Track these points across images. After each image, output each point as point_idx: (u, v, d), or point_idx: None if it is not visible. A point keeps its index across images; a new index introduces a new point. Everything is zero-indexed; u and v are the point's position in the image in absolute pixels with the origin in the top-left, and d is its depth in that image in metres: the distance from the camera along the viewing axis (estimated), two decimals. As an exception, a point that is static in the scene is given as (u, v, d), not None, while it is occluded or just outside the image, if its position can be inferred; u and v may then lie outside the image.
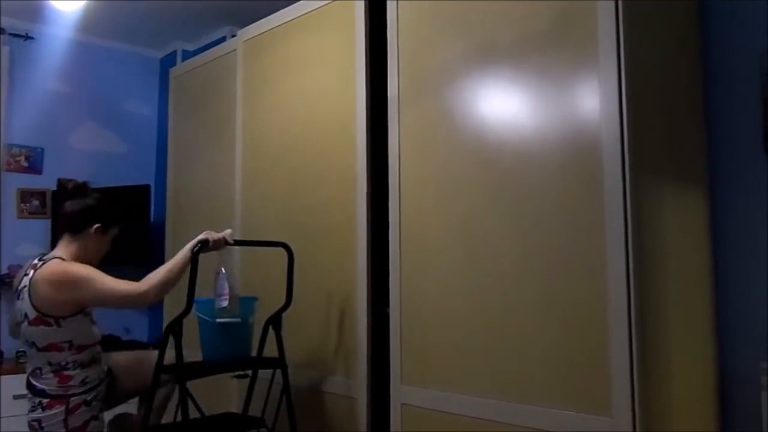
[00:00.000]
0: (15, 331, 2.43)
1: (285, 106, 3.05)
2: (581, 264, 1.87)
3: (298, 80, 2.99)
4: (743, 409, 2.06)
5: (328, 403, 2.69)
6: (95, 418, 2.41)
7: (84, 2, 3.80)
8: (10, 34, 4.14)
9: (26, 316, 2.32)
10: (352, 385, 2.58)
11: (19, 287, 2.38)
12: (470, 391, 2.12)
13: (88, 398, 2.39)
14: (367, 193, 2.57)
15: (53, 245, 2.52)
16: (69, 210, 2.49)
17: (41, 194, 4.25)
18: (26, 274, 2.38)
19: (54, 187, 4.25)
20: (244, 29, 3.40)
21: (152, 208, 4.41)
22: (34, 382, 2.37)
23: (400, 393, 2.36)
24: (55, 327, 2.31)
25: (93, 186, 2.59)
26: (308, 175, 2.87)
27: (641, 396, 1.73)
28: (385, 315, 2.50)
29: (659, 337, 1.85)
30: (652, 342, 1.81)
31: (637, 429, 1.72)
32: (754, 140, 2.11)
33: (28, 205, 4.21)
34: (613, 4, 1.84)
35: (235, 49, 3.43)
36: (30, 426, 2.36)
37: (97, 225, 2.47)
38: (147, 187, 4.30)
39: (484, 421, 2.07)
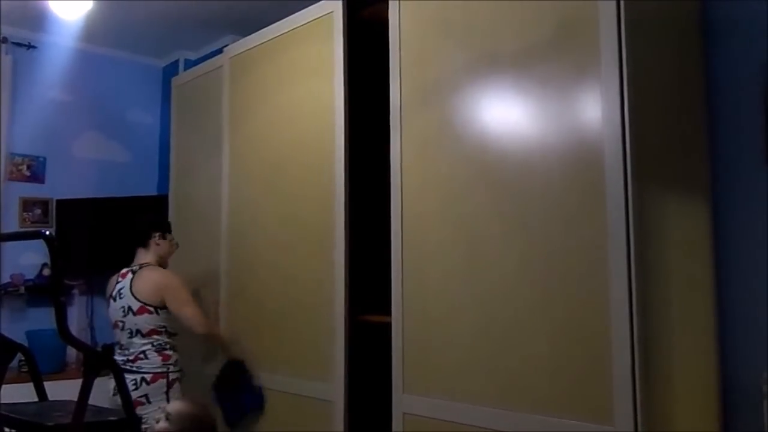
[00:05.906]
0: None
1: (270, 120, 3.12)
2: (583, 273, 1.87)
3: (284, 95, 3.05)
4: (745, 419, 2.05)
5: (306, 407, 2.77)
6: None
7: (86, 10, 3.79)
8: (13, 43, 4.15)
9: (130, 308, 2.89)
10: (330, 389, 2.65)
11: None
12: (472, 399, 2.12)
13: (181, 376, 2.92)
14: (345, 201, 2.68)
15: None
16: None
17: (44, 203, 4.25)
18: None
19: (57, 197, 4.25)
20: (231, 45, 3.48)
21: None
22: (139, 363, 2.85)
23: (402, 402, 2.35)
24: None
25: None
26: (291, 185, 2.96)
27: (643, 404, 1.73)
28: (360, 323, 2.62)
29: (661, 345, 1.85)
30: (655, 350, 1.81)
31: (640, 438, 1.72)
32: (756, 149, 2.11)
33: (30, 214, 4.21)
34: (615, 12, 1.85)
35: (222, 65, 3.49)
36: (136, 402, 2.66)
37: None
38: (165, 198, 4.27)
39: (487, 430, 2.06)
